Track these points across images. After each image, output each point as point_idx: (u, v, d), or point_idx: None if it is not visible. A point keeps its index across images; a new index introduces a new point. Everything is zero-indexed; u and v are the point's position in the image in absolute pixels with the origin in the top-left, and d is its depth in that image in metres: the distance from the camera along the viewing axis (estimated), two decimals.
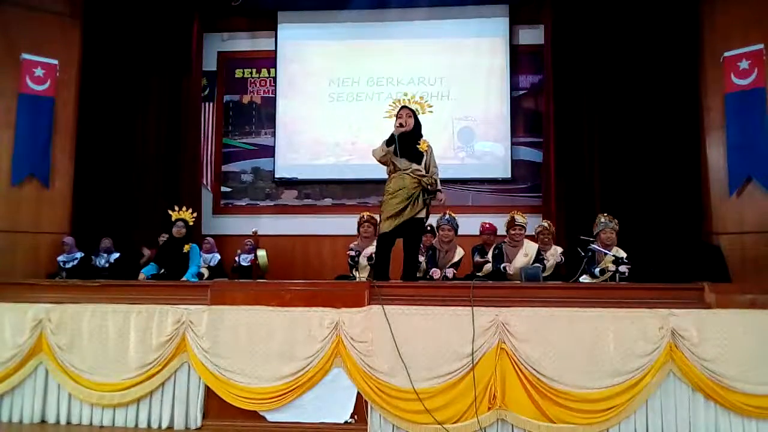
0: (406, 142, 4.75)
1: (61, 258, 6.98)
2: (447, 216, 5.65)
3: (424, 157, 4.77)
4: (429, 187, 4.72)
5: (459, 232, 5.73)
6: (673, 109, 7.22)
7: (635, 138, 7.29)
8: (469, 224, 6.44)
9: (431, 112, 5.06)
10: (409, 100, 4.95)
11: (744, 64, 6.68)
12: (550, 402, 3.93)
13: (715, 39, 6.99)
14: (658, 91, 7.29)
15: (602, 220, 5.39)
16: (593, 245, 5.26)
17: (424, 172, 4.74)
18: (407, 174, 4.69)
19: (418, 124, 4.84)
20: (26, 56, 7.26)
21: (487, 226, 6.26)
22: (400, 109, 4.84)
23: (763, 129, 6.48)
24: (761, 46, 6.57)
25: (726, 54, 6.82)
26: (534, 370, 3.98)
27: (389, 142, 4.74)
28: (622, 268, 4.91)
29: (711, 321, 3.96)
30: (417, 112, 4.88)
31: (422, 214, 4.76)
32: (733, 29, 6.82)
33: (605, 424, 3.89)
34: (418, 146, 4.77)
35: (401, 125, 4.73)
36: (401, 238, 4.79)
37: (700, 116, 7.14)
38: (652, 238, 6.83)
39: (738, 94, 6.72)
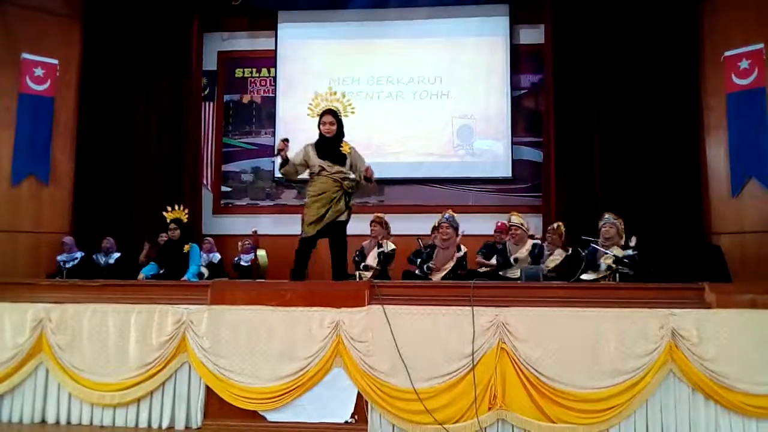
0: (328, 146, 4.77)
1: (61, 258, 6.99)
2: (447, 215, 5.70)
3: (348, 159, 4.77)
4: (350, 190, 4.74)
5: (466, 233, 5.86)
6: (674, 109, 7.21)
7: (636, 138, 7.28)
8: (469, 224, 6.43)
9: (353, 112, 4.97)
10: (329, 96, 4.90)
11: (744, 64, 6.68)
12: (550, 402, 3.93)
13: (715, 39, 7.00)
14: (659, 90, 7.28)
15: (606, 215, 5.43)
16: (594, 244, 5.27)
17: (348, 174, 4.74)
18: (330, 177, 4.70)
19: (340, 127, 4.82)
20: (26, 56, 7.27)
21: (499, 225, 6.52)
22: (323, 115, 4.81)
23: (763, 129, 6.48)
24: (761, 45, 6.58)
25: (726, 54, 6.83)
26: (534, 370, 3.98)
27: (282, 164, 4.88)
28: (631, 253, 4.95)
29: (711, 321, 3.96)
30: (339, 113, 4.84)
31: (344, 217, 4.79)
32: (733, 29, 6.83)
33: (605, 424, 3.89)
34: (340, 149, 4.77)
35: (279, 151, 4.84)
36: (326, 239, 4.92)
37: (700, 116, 7.14)
38: (652, 238, 6.80)
39: (738, 93, 6.72)
